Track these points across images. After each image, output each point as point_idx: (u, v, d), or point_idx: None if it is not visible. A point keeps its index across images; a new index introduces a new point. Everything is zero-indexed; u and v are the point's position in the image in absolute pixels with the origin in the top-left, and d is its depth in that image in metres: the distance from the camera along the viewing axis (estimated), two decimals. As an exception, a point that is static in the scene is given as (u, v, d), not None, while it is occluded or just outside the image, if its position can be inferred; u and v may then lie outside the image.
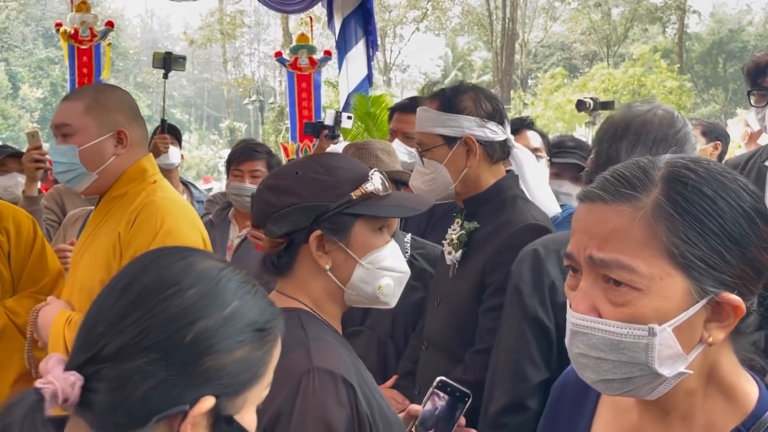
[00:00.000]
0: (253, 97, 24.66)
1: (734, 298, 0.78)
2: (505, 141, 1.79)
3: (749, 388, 0.86)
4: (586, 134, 5.03)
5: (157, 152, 3.94)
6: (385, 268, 1.27)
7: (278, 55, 6.43)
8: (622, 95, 21.79)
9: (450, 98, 1.75)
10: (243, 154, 2.82)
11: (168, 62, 4.13)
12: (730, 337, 0.83)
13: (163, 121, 4.29)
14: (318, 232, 1.20)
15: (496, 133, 1.75)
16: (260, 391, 0.86)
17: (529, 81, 32.60)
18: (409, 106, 2.74)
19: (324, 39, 17.86)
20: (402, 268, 1.31)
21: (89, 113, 1.82)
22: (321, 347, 1.16)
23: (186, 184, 4.29)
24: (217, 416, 0.80)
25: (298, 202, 1.21)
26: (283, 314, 0.89)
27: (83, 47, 5.97)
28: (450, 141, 1.74)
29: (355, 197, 1.22)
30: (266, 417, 1.07)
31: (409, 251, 2.14)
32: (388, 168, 2.11)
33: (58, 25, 5.76)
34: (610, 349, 0.80)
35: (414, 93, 36.62)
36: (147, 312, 0.77)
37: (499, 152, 1.77)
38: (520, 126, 2.50)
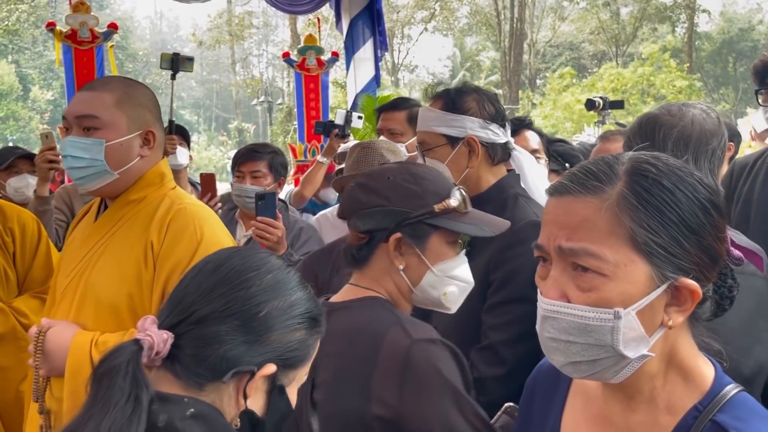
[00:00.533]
0: (261, 98, 24.74)
1: (691, 283, 0.84)
2: (506, 143, 1.79)
3: (706, 369, 0.91)
4: (594, 133, 5.02)
5: (165, 153, 3.97)
6: (453, 277, 1.37)
7: (286, 55, 6.44)
8: (631, 95, 21.72)
9: (454, 99, 1.76)
10: (244, 155, 2.84)
11: (176, 63, 4.14)
12: (688, 322, 0.89)
13: (170, 122, 4.32)
14: (398, 235, 1.32)
15: (498, 135, 1.76)
16: (303, 373, 1.03)
17: (538, 81, 32.56)
18: (392, 105, 2.96)
19: (332, 40, 17.89)
20: (468, 279, 1.41)
21: (120, 107, 1.65)
22: (412, 321, 1.30)
23: (194, 185, 4.32)
24: (273, 384, 0.98)
25: (385, 205, 1.33)
26: (368, 301, 0.95)
27: (83, 48, 5.93)
28: (453, 141, 1.75)
29: (437, 210, 1.33)
30: (394, 403, 1.19)
31: None
32: None
33: (51, 24, 5.70)
34: (578, 332, 0.85)
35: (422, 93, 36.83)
36: (232, 288, 0.96)
37: (500, 154, 1.78)
38: (520, 126, 2.51)
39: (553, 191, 0.90)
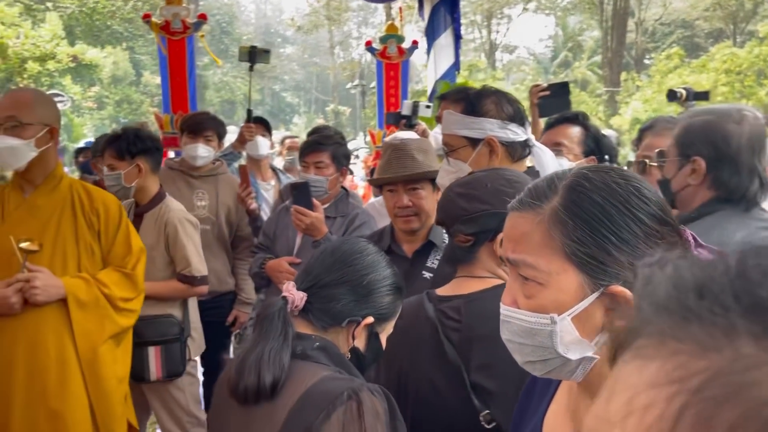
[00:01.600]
0: (356, 82, 25.11)
1: (622, 290, 0.87)
2: (526, 141, 1.86)
3: None
4: None
5: (243, 140, 4.24)
6: None
7: (368, 44, 6.57)
8: (746, 76, 20.26)
9: (473, 102, 1.86)
10: (309, 146, 2.99)
11: (253, 56, 4.38)
12: None
13: (248, 111, 4.58)
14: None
15: (517, 133, 1.84)
16: (390, 326, 1.46)
17: (646, 61, 30.95)
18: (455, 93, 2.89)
19: (416, 27, 17.86)
20: None
21: None
22: None
23: (275, 171, 4.54)
24: (371, 331, 1.41)
25: (488, 209, 1.51)
26: (500, 289, 1.12)
27: (175, 39, 6.28)
28: (473, 142, 1.84)
29: None
30: None
31: (448, 240, 2.26)
32: (424, 167, 2.21)
33: (147, 16, 6.06)
34: (526, 335, 0.93)
35: (521, 75, 35.64)
36: (344, 264, 1.40)
37: (520, 151, 1.86)
38: (561, 121, 2.53)
39: (509, 208, 0.98)
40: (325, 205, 2.94)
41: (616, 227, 0.88)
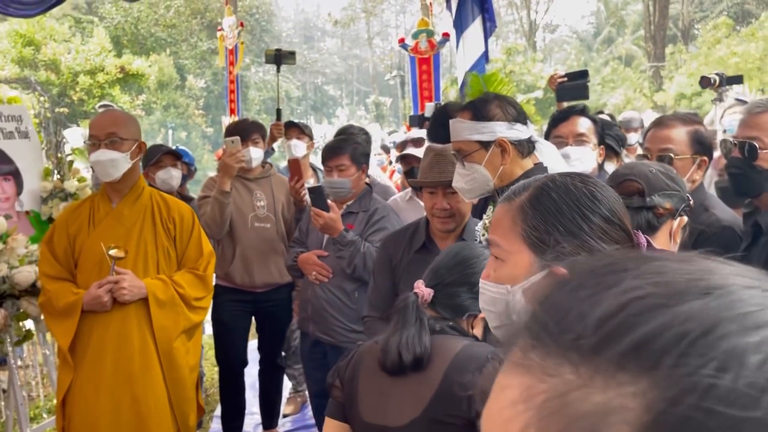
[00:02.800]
0: (394, 72, 25.18)
1: (563, 271, 1.02)
2: (530, 138, 1.99)
3: None
4: (714, 113, 4.74)
5: (273, 138, 4.52)
6: None
7: (401, 41, 6.70)
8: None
9: (480, 108, 1.98)
10: (329, 152, 3.18)
11: (278, 58, 4.61)
12: None
13: (277, 110, 4.82)
14: (682, 218, 1.73)
15: (522, 132, 1.97)
16: None
17: (695, 32, 29.97)
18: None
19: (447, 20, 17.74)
20: None
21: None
22: None
23: (315, 170, 4.76)
24: (486, 324, 1.45)
25: (680, 192, 1.73)
26: None
27: (230, 48, 6.80)
28: (485, 145, 1.96)
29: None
30: None
31: (478, 238, 2.39)
32: None
33: (219, 29, 6.55)
34: (492, 303, 1.15)
35: (563, 54, 34.79)
36: (465, 266, 1.62)
37: (527, 148, 1.99)
38: (570, 113, 2.63)
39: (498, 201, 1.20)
40: (350, 202, 3.17)
41: (564, 220, 1.07)
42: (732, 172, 2.09)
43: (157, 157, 3.83)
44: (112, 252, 2.59)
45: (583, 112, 2.64)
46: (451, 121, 2.05)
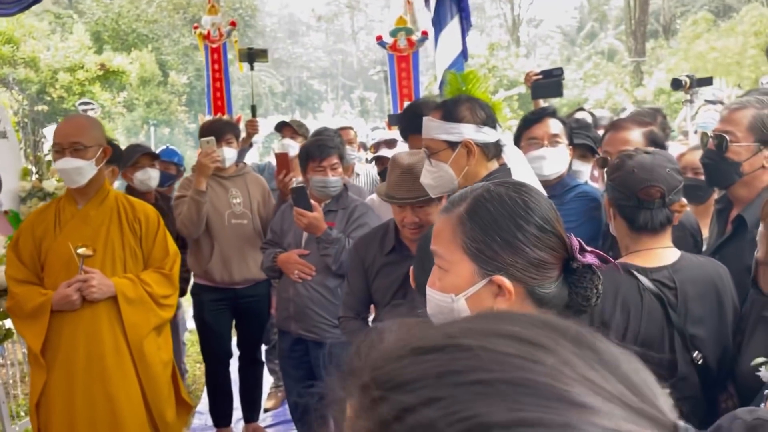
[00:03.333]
0: (378, 68, 25.20)
1: (503, 280, 1.12)
2: (497, 141, 2.05)
3: None
4: (685, 115, 4.84)
5: (249, 135, 4.61)
6: None
7: (379, 38, 6.73)
8: (778, 38, 19.69)
9: (451, 109, 2.04)
10: (321, 152, 3.18)
11: (251, 56, 4.70)
12: (534, 308, 1.14)
13: (252, 107, 4.90)
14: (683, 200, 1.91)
15: (489, 135, 2.03)
16: None
17: (676, 26, 30.21)
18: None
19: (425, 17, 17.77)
20: None
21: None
22: None
23: None
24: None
25: (682, 181, 1.89)
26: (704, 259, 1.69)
27: (214, 46, 6.72)
28: (452, 145, 2.02)
29: None
30: None
31: None
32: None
33: (195, 27, 6.53)
34: (438, 310, 1.20)
35: (546, 49, 34.88)
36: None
37: (493, 151, 2.05)
38: (542, 115, 2.70)
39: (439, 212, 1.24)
40: (328, 201, 3.22)
41: (501, 230, 1.13)
42: (705, 162, 2.21)
43: (134, 158, 3.85)
44: (80, 251, 2.65)
45: (554, 114, 2.72)
46: (424, 119, 2.11)
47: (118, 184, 4.18)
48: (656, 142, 2.39)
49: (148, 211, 2.90)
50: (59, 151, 2.69)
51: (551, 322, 0.42)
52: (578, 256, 1.15)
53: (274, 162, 4.78)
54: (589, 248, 1.17)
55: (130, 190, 3.90)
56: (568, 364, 0.38)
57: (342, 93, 44.30)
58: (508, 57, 21.29)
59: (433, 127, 2.05)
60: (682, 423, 0.39)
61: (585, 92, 23.15)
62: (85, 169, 2.69)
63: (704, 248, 2.31)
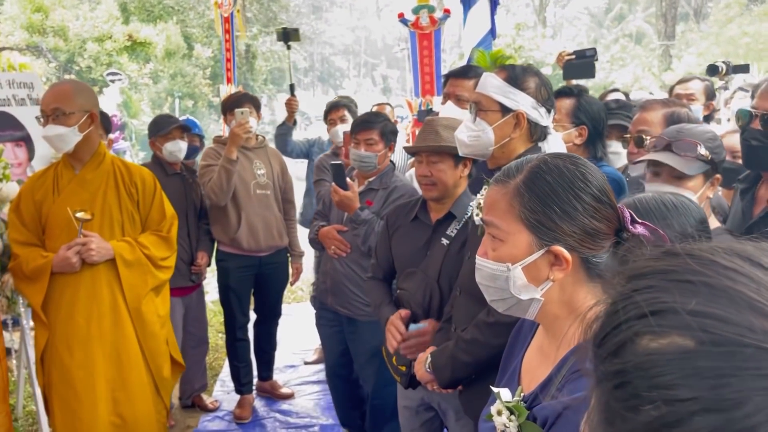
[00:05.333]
0: (402, 45, 25.01)
1: (561, 250, 1.15)
2: (545, 127, 1.99)
3: None
4: (718, 100, 4.78)
5: (291, 113, 4.69)
6: None
7: (401, 16, 6.70)
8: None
9: (518, 75, 1.95)
10: (360, 125, 3.20)
11: (286, 35, 4.74)
12: (587, 277, 1.17)
13: (291, 86, 4.96)
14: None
15: (543, 117, 1.97)
16: None
17: (708, 10, 29.54)
18: (462, 73, 2.96)
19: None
20: None
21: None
22: None
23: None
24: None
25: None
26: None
27: (226, 15, 6.81)
28: (505, 110, 1.93)
29: None
30: None
31: (470, 213, 2.46)
32: (446, 142, 2.40)
33: None
34: (490, 279, 1.22)
35: (573, 30, 34.34)
36: None
37: (538, 133, 1.98)
38: (557, 95, 2.59)
39: (491, 181, 1.26)
40: (372, 178, 3.21)
41: (560, 201, 1.15)
42: (751, 144, 2.06)
43: (168, 129, 3.90)
44: (79, 215, 2.71)
45: (567, 92, 2.65)
46: (484, 74, 2.01)
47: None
48: (675, 123, 2.36)
49: (145, 175, 2.95)
50: (44, 118, 2.73)
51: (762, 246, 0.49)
52: (630, 226, 1.17)
53: (324, 137, 4.86)
54: (640, 220, 1.18)
55: (156, 159, 3.96)
56: (761, 280, 0.45)
57: (364, 71, 44.05)
58: (535, 38, 21.03)
59: (493, 85, 1.96)
60: None
61: (611, 75, 22.80)
62: (66, 135, 2.71)
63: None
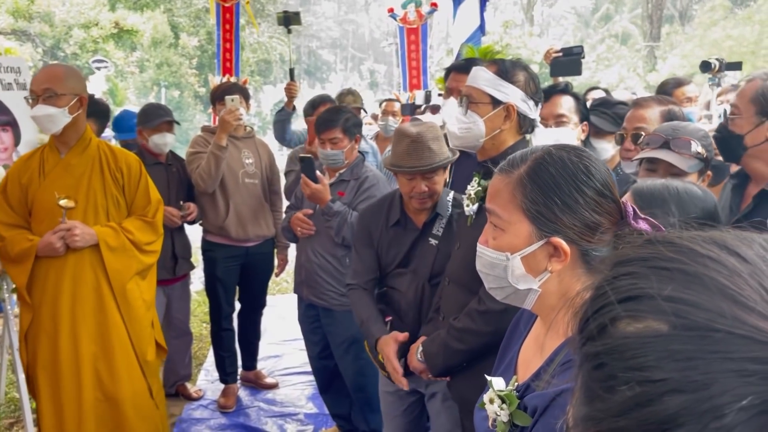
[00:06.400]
0: (390, 40, 24.99)
1: (560, 242, 1.15)
2: (533, 120, 2.03)
3: None
4: (709, 96, 4.84)
5: (290, 97, 4.67)
6: None
7: (391, 10, 6.72)
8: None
9: (508, 68, 1.99)
10: (321, 125, 3.23)
11: (287, 19, 4.72)
12: (585, 269, 1.17)
13: (290, 70, 4.95)
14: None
15: (531, 110, 2.01)
16: None
17: (693, 12, 29.83)
18: (464, 67, 2.94)
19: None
20: None
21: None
22: None
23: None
24: None
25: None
26: None
27: (227, 5, 6.69)
28: (495, 103, 1.97)
29: None
30: None
31: (449, 210, 2.49)
32: (440, 157, 2.42)
33: None
34: (490, 267, 1.23)
35: (560, 30, 34.59)
36: None
37: (527, 126, 2.03)
38: (551, 93, 2.68)
39: (495, 171, 1.26)
40: (343, 170, 3.25)
41: (562, 194, 1.14)
42: (715, 136, 2.19)
43: (156, 122, 3.86)
44: (62, 202, 2.73)
45: (565, 90, 2.72)
46: (475, 67, 2.05)
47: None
48: (672, 120, 2.41)
49: (130, 160, 2.96)
50: (34, 98, 2.74)
51: (763, 241, 0.51)
52: (632, 221, 1.16)
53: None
54: (642, 215, 1.18)
55: (140, 148, 3.93)
56: (754, 274, 0.46)
57: (351, 64, 43.92)
58: (522, 36, 21.11)
59: (484, 78, 1.99)
60: None
61: (597, 75, 22.98)
62: (56, 116, 2.72)
63: None
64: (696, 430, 0.40)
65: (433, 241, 2.47)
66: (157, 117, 3.90)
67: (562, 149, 1.20)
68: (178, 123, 4.03)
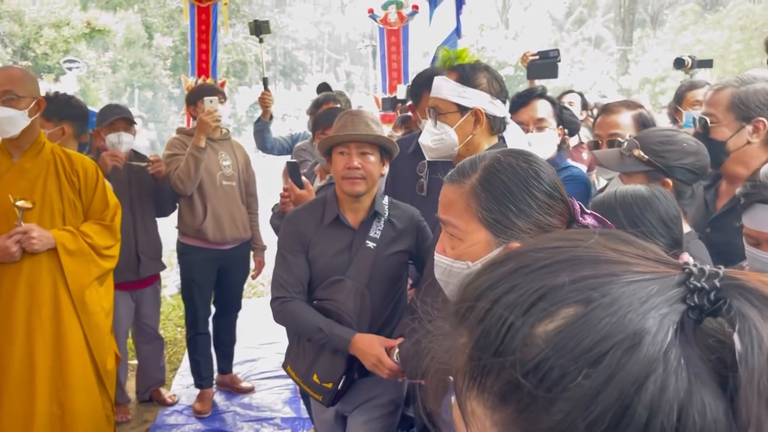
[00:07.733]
0: (366, 42, 24.99)
1: (517, 245, 1.15)
2: (504, 117, 2.03)
3: None
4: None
5: (265, 108, 4.64)
6: None
7: (371, 11, 6.73)
8: (763, 33, 19.94)
9: (468, 74, 1.97)
10: (322, 124, 3.22)
11: (258, 28, 4.69)
12: None
13: (264, 79, 4.89)
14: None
15: (499, 109, 2.01)
16: None
17: (664, 17, 30.33)
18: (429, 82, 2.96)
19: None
20: None
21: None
22: None
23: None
24: None
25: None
26: None
27: (203, 6, 6.61)
28: (463, 110, 1.97)
29: None
30: None
31: (387, 213, 2.40)
32: (376, 133, 2.33)
33: None
34: (449, 275, 1.25)
35: (535, 34, 35.05)
36: None
37: (498, 126, 2.02)
38: (529, 97, 2.69)
39: (444, 180, 1.28)
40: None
41: (515, 200, 1.18)
42: None
43: (111, 120, 3.72)
44: (19, 203, 2.66)
45: (542, 95, 2.73)
46: (436, 78, 2.04)
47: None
48: (645, 124, 2.44)
49: (86, 164, 2.91)
50: None
51: (582, 230, 0.53)
52: (579, 218, 1.21)
53: (309, 131, 4.82)
54: (588, 211, 1.22)
55: (97, 150, 3.83)
56: (600, 243, 0.51)
57: (327, 66, 43.83)
58: (497, 39, 21.26)
59: (447, 88, 1.99)
60: (690, 261, 0.47)
61: (570, 78, 23.25)
62: (16, 118, 2.66)
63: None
64: (653, 370, 0.41)
65: (371, 244, 2.35)
66: (111, 114, 3.76)
67: (510, 155, 1.23)
68: (134, 122, 3.89)
